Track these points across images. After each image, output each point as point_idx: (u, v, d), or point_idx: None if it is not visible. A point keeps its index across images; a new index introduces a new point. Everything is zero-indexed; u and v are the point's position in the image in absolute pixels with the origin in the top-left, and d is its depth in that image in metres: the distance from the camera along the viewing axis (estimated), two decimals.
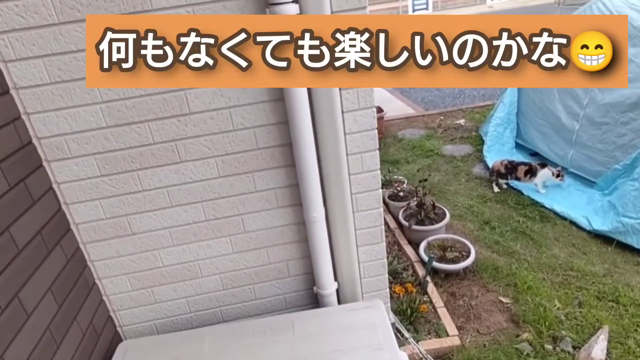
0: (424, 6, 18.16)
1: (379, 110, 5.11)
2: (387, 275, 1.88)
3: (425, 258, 2.94)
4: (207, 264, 1.79)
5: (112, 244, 1.70)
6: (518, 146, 4.54)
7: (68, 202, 1.61)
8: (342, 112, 1.57)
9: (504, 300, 2.67)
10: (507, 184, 3.87)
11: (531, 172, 3.72)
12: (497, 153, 4.42)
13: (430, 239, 3.14)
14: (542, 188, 3.71)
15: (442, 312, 2.61)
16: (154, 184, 1.63)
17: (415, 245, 3.22)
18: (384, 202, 3.68)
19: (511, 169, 3.79)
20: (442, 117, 5.94)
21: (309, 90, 1.50)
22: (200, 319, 1.89)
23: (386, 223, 3.48)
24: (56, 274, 1.48)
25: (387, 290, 1.92)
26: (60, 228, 1.57)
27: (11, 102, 1.42)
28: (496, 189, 3.86)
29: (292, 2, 1.36)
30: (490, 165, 4.27)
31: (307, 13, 1.39)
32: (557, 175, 3.66)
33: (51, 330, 1.39)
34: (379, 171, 1.70)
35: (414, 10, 18.18)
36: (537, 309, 2.52)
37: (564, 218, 3.39)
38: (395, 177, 4.12)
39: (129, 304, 1.81)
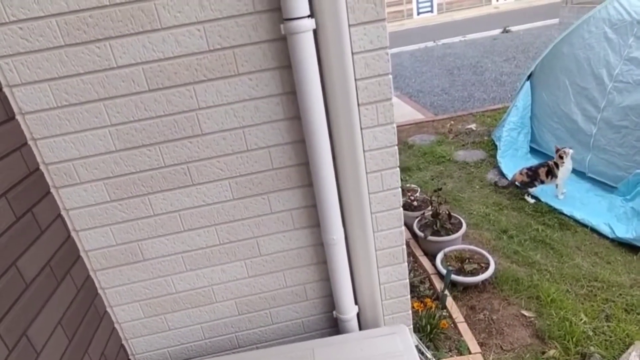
0: (429, 9, 18.11)
1: None
2: (409, 296, 1.80)
3: (443, 270, 2.86)
4: (221, 289, 1.72)
5: (124, 271, 1.63)
6: (533, 151, 4.44)
7: (77, 229, 1.55)
8: (361, 128, 1.50)
9: (527, 314, 2.57)
10: (527, 193, 3.75)
11: (551, 172, 3.62)
12: (511, 158, 4.33)
13: (447, 250, 3.06)
14: (561, 194, 3.61)
15: (463, 327, 2.52)
16: (165, 208, 1.56)
17: (431, 257, 3.13)
18: None
19: (533, 174, 3.68)
20: (452, 122, 5.86)
21: (326, 107, 1.43)
22: (215, 346, 1.82)
23: None
24: (66, 305, 1.42)
25: (410, 312, 1.84)
26: (70, 256, 1.51)
27: (17, 128, 1.36)
28: (531, 200, 3.70)
29: (308, 17, 1.29)
30: (504, 171, 4.18)
31: (324, 27, 1.32)
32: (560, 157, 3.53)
33: None
34: (399, 189, 1.62)
35: (418, 13, 18.13)
36: (563, 323, 2.42)
37: (584, 225, 3.28)
38: (407, 185, 4.04)
39: (141, 331, 1.75)
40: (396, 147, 1.56)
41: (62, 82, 1.35)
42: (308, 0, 1.28)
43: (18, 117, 1.37)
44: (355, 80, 1.43)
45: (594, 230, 3.22)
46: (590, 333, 2.35)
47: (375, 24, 1.38)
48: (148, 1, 1.29)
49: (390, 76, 1.46)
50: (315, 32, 1.33)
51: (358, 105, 1.46)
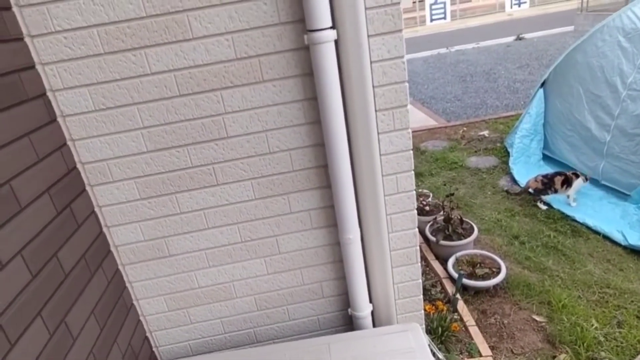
0: (442, 15, 18.12)
1: None
2: (422, 296, 1.86)
3: (454, 274, 2.90)
4: (242, 285, 1.80)
5: (150, 266, 1.72)
6: (545, 158, 4.46)
7: (109, 225, 1.64)
8: (378, 133, 1.57)
9: (538, 318, 2.60)
10: (540, 199, 3.77)
11: (567, 182, 3.64)
12: (523, 165, 4.35)
13: (458, 254, 3.10)
14: (573, 201, 3.63)
15: (474, 330, 2.56)
16: (191, 206, 1.65)
17: (443, 261, 3.17)
18: None
19: (548, 182, 3.69)
20: (464, 129, 5.89)
21: (345, 112, 1.51)
22: (234, 340, 1.89)
23: None
24: (98, 296, 1.51)
25: (422, 312, 1.89)
26: (102, 251, 1.60)
27: (58, 129, 1.46)
28: (543, 207, 3.72)
29: (330, 28, 1.38)
30: (516, 178, 4.20)
31: (345, 38, 1.40)
32: (585, 179, 3.60)
33: (94, 354, 1.41)
34: (414, 192, 1.69)
35: (431, 20, 18.16)
36: (574, 328, 2.45)
37: (597, 232, 3.30)
38: (419, 190, 4.09)
39: (165, 324, 1.83)
40: (411, 151, 1.63)
41: (100, 87, 1.45)
42: (330, 12, 1.37)
43: (59, 119, 1.47)
44: (373, 87, 1.50)
45: (606, 237, 3.23)
46: (602, 339, 2.38)
47: (392, 35, 1.45)
48: (182, 13, 1.39)
49: (407, 84, 1.53)
50: (336, 42, 1.41)
51: (375, 111, 1.53)
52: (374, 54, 1.47)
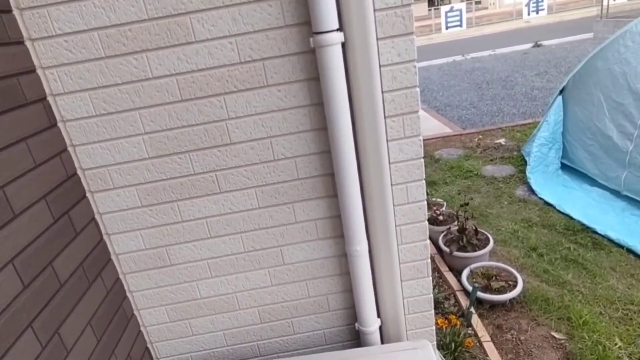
0: (458, 23, 18.00)
1: None
2: (433, 311, 1.77)
3: (468, 287, 2.79)
4: (245, 297, 1.74)
5: (151, 275, 1.68)
6: (564, 167, 4.31)
7: (109, 233, 1.60)
8: (387, 140, 1.50)
9: (557, 335, 2.48)
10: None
11: None
12: (541, 175, 4.23)
13: (473, 266, 3.00)
14: None
15: (489, 347, 2.45)
16: (193, 214, 1.60)
17: (456, 273, 3.07)
18: None
19: None
20: (480, 136, 5.77)
21: (353, 119, 1.44)
22: (237, 353, 1.83)
23: None
24: (96, 306, 1.46)
25: (433, 327, 1.80)
26: (101, 259, 1.56)
27: (58, 134, 1.43)
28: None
29: (337, 30, 1.32)
30: (533, 187, 4.07)
31: (352, 41, 1.34)
32: None
33: None
34: (425, 202, 1.61)
35: (447, 28, 18.06)
36: (596, 347, 2.32)
37: (619, 245, 3.15)
38: (433, 199, 3.99)
39: (166, 335, 1.78)
40: (422, 160, 1.55)
41: (101, 92, 1.42)
42: (337, 14, 1.31)
43: (60, 124, 1.44)
44: (382, 92, 1.44)
45: (630, 250, 3.09)
46: (626, 358, 2.25)
47: (403, 38, 1.39)
48: (184, 15, 1.35)
49: (418, 89, 1.46)
50: (343, 45, 1.35)
51: (385, 117, 1.47)
52: (383, 57, 1.40)
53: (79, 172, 1.51)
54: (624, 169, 3.59)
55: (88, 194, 1.54)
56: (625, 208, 3.52)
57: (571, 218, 3.57)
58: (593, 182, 3.94)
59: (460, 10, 17.84)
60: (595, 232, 3.34)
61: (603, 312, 2.59)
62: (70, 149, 1.48)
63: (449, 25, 17.99)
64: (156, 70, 1.41)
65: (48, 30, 1.33)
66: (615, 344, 2.33)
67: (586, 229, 3.41)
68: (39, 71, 1.38)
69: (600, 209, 3.56)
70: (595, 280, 2.87)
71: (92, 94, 1.42)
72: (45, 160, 1.33)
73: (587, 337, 2.40)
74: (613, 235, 3.22)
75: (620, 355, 2.27)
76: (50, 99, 1.41)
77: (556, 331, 2.51)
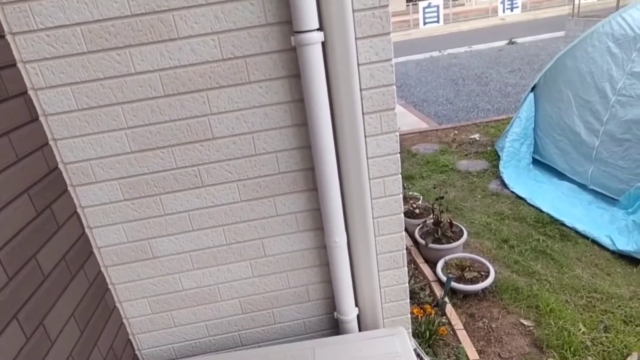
0: (435, 19, 18.21)
1: None
2: (408, 300, 1.85)
3: (443, 278, 2.90)
4: (226, 288, 1.78)
5: (133, 268, 1.70)
6: (535, 162, 4.48)
7: (91, 226, 1.61)
8: (365, 136, 1.56)
9: (526, 323, 2.61)
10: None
11: None
12: (513, 169, 4.38)
13: (447, 258, 3.10)
14: None
15: (462, 334, 2.56)
16: (175, 208, 1.63)
17: (432, 264, 3.18)
18: None
19: None
20: (456, 132, 5.91)
21: (332, 115, 1.50)
22: (219, 343, 1.87)
23: None
24: (79, 299, 1.48)
25: (409, 315, 1.88)
26: (83, 252, 1.58)
27: (40, 128, 1.44)
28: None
29: (317, 30, 1.36)
30: (506, 182, 4.22)
31: (332, 40, 1.39)
32: None
33: (73, 357, 1.39)
34: (401, 195, 1.68)
35: (425, 23, 18.25)
36: (561, 333, 2.46)
37: (585, 237, 3.32)
38: (410, 193, 4.09)
39: (148, 327, 1.81)
40: (398, 155, 1.62)
41: (83, 86, 1.43)
42: (317, 14, 1.35)
43: (41, 118, 1.45)
44: (361, 90, 1.49)
45: (594, 242, 3.26)
46: (589, 343, 2.39)
47: (380, 37, 1.45)
48: (167, 12, 1.37)
49: (394, 87, 1.52)
50: (323, 44, 1.40)
51: (363, 113, 1.53)
52: (361, 56, 1.46)
53: (60, 166, 1.52)
54: (590, 163, 3.76)
55: (70, 188, 1.55)
56: (591, 201, 3.70)
57: (541, 211, 3.72)
58: (562, 176, 4.12)
59: (438, 7, 18.05)
60: (564, 225, 3.50)
61: (569, 300, 2.74)
62: (51, 142, 1.48)
63: (427, 21, 18.19)
64: (139, 65, 1.42)
65: (29, 25, 1.33)
66: (579, 330, 2.48)
67: (555, 221, 3.57)
68: (20, 65, 1.38)
69: (569, 202, 3.72)
70: (562, 270, 3.02)
71: (75, 88, 1.43)
72: (27, 154, 1.33)
73: (553, 324, 2.54)
74: (580, 227, 3.38)
75: (583, 340, 2.41)
76: (31, 92, 1.41)
77: (525, 319, 2.64)
